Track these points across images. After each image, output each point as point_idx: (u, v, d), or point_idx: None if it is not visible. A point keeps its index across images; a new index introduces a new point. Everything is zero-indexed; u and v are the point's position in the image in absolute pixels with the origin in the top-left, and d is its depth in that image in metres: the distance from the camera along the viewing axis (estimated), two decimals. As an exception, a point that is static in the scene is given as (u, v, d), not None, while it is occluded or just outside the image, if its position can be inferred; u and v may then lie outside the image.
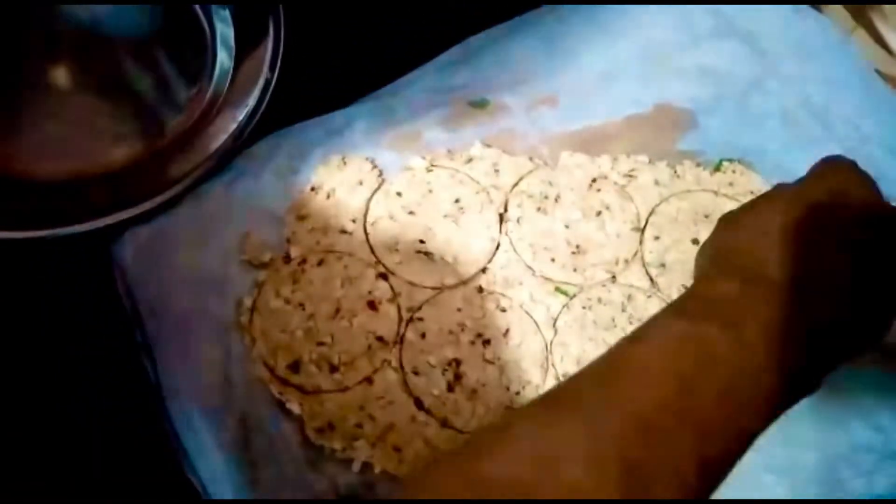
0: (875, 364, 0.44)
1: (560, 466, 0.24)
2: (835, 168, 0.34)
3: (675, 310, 0.30)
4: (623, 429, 0.25)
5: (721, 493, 0.41)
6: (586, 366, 0.28)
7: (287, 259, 0.44)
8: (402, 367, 0.42)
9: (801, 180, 0.33)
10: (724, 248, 0.32)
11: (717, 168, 0.48)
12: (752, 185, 0.48)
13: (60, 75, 0.47)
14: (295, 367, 0.41)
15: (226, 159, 0.45)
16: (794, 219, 0.30)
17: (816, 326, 0.29)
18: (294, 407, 0.41)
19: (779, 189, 0.34)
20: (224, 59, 0.48)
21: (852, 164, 0.34)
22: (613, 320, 0.44)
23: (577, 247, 0.45)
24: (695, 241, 0.46)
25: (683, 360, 0.27)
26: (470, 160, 0.47)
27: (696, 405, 0.26)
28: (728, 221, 0.34)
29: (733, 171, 0.48)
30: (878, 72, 0.51)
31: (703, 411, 0.26)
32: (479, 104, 0.48)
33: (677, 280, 0.45)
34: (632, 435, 0.25)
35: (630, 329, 0.43)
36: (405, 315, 0.43)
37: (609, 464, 0.24)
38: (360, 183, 0.46)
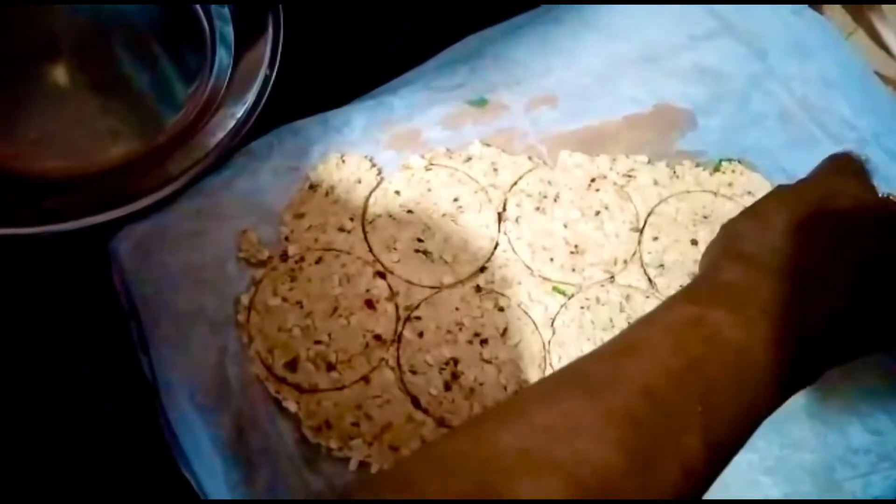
0: (872, 369, 0.44)
1: (568, 436, 0.24)
2: (836, 167, 0.35)
3: (683, 295, 0.31)
4: (630, 400, 0.25)
5: (718, 493, 0.41)
6: (595, 348, 0.29)
7: (285, 257, 0.44)
8: (399, 365, 0.42)
9: (802, 180, 0.35)
10: (730, 241, 0.33)
11: (717, 168, 0.48)
12: (751, 185, 0.48)
13: (59, 74, 0.47)
14: (292, 365, 0.41)
15: (224, 156, 0.45)
16: (796, 215, 0.31)
17: (819, 313, 0.29)
18: (291, 405, 0.41)
19: (779, 189, 0.35)
20: (223, 56, 0.48)
21: (853, 162, 0.35)
22: (611, 321, 0.44)
23: (576, 247, 0.45)
24: (693, 242, 0.46)
25: (691, 342, 0.27)
26: (469, 159, 0.47)
27: (703, 383, 0.26)
28: (731, 222, 0.35)
29: (733, 171, 0.48)
30: (877, 73, 0.51)
31: (710, 390, 0.26)
32: (478, 103, 0.48)
33: (676, 281, 0.45)
34: (638, 405, 0.25)
35: (628, 329, 0.43)
36: (403, 314, 0.43)
37: (615, 433, 0.24)
38: (359, 181, 0.46)
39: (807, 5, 0.52)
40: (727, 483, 0.41)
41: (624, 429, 0.25)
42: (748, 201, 0.46)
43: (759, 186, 0.48)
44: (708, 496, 0.40)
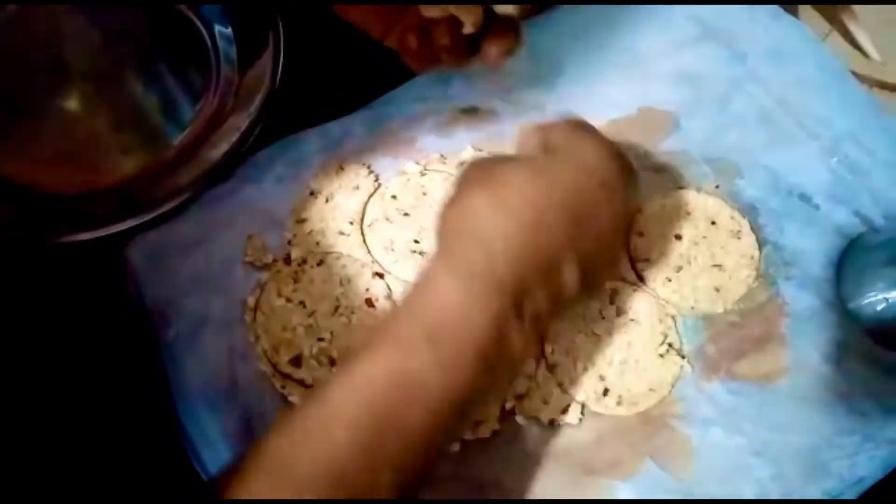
0: (857, 353, 0.45)
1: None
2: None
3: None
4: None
5: (706, 476, 0.42)
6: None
7: (288, 260, 0.46)
8: (398, 360, 0.44)
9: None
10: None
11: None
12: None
13: (73, 96, 0.50)
14: (296, 361, 0.43)
15: (229, 167, 0.47)
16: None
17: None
18: (296, 400, 0.43)
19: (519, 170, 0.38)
20: (228, 74, 0.51)
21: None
22: (601, 313, 0.45)
23: (566, 244, 0.47)
24: (678, 237, 0.48)
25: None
26: (462, 164, 0.49)
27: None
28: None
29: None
30: (853, 73, 0.53)
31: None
32: (470, 111, 0.51)
33: (662, 274, 0.47)
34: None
35: (617, 321, 0.45)
36: (401, 311, 0.45)
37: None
38: (357, 187, 0.48)
39: (780, 8, 0.54)
40: (717, 464, 0.42)
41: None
42: (731, 202, 0.48)
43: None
44: (699, 480, 0.42)
